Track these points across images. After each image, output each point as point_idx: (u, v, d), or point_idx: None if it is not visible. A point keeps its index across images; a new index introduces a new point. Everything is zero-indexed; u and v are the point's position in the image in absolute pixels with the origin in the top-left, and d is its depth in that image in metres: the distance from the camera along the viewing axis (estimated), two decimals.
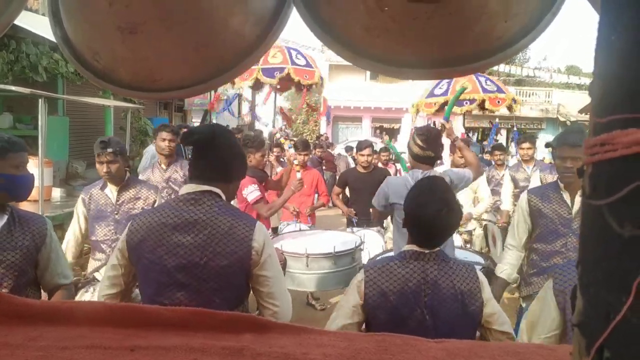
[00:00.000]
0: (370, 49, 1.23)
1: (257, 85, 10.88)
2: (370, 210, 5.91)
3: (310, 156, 7.55)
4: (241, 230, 1.99)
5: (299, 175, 5.46)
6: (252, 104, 13.62)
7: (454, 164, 5.97)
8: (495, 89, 10.26)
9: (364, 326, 2.13)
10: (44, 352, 1.01)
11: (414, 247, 2.13)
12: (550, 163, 6.59)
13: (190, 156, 2.16)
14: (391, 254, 3.30)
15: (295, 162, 5.81)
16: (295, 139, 9.12)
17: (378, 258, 2.27)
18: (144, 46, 1.26)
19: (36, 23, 7.10)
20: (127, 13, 1.18)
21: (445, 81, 10.20)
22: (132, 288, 2.16)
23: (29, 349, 1.01)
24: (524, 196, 3.30)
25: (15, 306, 1.13)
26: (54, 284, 2.41)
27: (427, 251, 2.10)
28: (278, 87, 11.01)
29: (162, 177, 4.79)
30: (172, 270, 1.95)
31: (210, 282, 1.94)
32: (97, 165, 3.48)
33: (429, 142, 3.56)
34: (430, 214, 2.04)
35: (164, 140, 4.89)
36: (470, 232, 6.25)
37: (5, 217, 2.21)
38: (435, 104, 10.36)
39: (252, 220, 2.06)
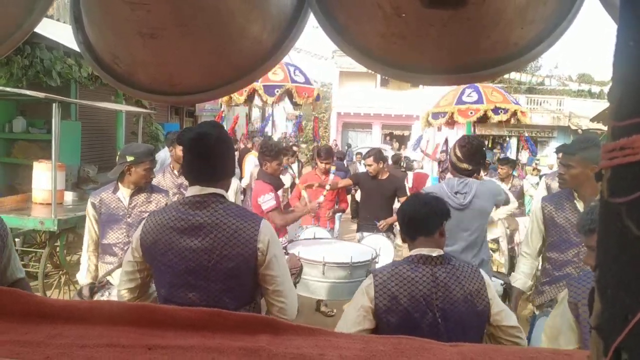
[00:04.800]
0: (387, 55, 1.24)
1: (250, 99, 10.86)
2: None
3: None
4: (246, 231, 2.03)
5: (321, 199, 5.54)
6: (262, 109, 13.68)
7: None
8: (501, 99, 10.15)
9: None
10: (64, 349, 1.02)
11: (422, 251, 2.17)
12: (556, 170, 6.62)
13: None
14: None
15: (321, 171, 5.86)
16: (298, 145, 9.15)
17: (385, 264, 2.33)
18: (164, 51, 1.29)
19: (51, 29, 7.18)
20: (147, 18, 1.20)
21: (473, 90, 10.13)
22: (149, 283, 2.23)
23: (50, 346, 1.03)
24: (538, 204, 3.31)
25: (36, 305, 1.15)
26: (14, 279, 2.46)
27: (434, 255, 2.14)
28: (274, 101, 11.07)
29: (173, 182, 4.82)
30: (182, 273, 2.01)
31: (219, 283, 2.00)
32: (143, 173, 3.54)
33: (466, 154, 3.57)
34: (413, 209, 2.25)
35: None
36: (496, 240, 6.24)
37: None
38: (471, 112, 10.20)
39: (257, 220, 2.10)
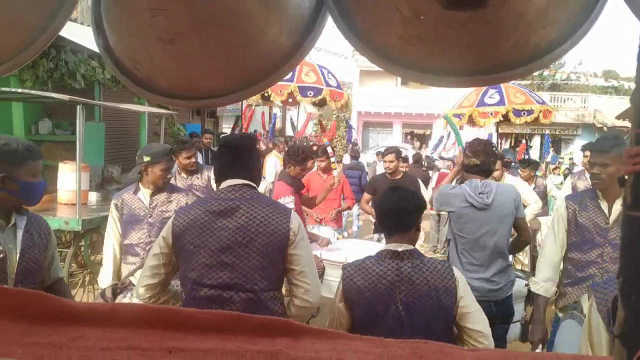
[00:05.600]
0: (406, 57, 1.24)
1: (289, 102, 10.99)
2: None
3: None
4: (279, 214, 2.22)
5: (335, 173, 5.58)
6: (284, 113, 13.73)
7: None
8: (523, 100, 10.01)
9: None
10: (86, 352, 1.04)
11: (389, 247, 2.26)
12: (582, 169, 6.52)
13: (218, 159, 2.45)
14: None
15: (333, 160, 5.90)
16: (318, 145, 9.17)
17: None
18: (183, 56, 1.30)
19: (75, 32, 7.30)
20: (166, 24, 1.21)
21: (496, 90, 10.04)
22: (170, 279, 2.34)
23: (72, 348, 1.05)
24: (562, 202, 3.25)
25: (59, 307, 1.17)
26: (55, 278, 2.56)
27: (400, 250, 2.21)
28: (289, 101, 11.12)
29: (184, 184, 4.90)
30: (216, 252, 2.15)
31: (252, 259, 2.14)
32: (160, 173, 3.59)
33: (474, 150, 3.60)
34: (388, 204, 2.33)
35: (187, 158, 5.02)
36: None
37: (25, 219, 2.34)
38: (492, 114, 10.07)
39: (287, 209, 2.32)
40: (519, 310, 3.86)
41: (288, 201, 4.71)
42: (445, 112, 10.77)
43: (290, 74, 8.55)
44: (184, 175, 4.92)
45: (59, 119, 9.08)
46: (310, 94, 9.81)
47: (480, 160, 3.57)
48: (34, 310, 1.15)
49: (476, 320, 2.16)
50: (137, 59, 1.38)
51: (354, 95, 31.21)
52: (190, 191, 4.68)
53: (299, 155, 4.94)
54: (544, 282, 3.19)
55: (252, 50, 1.33)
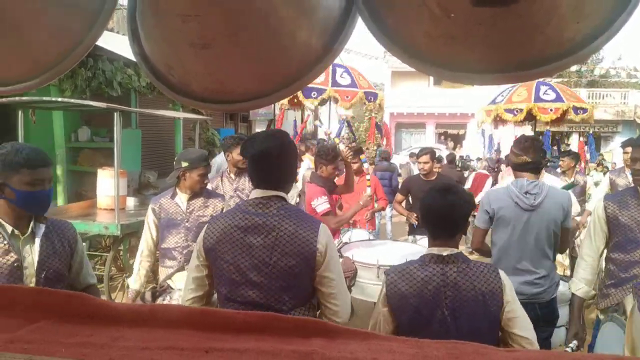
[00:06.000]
0: (436, 56, 1.23)
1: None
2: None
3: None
4: (306, 232, 2.12)
5: (369, 190, 5.49)
6: (315, 112, 13.74)
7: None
8: (554, 97, 9.78)
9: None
10: (126, 351, 1.07)
11: (432, 251, 2.19)
12: (622, 166, 6.33)
13: (248, 166, 2.29)
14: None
15: (365, 162, 5.83)
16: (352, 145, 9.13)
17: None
18: (215, 61, 1.33)
19: (111, 41, 7.50)
20: (199, 30, 1.24)
21: (548, 87, 9.87)
22: (213, 290, 2.30)
23: (113, 348, 1.07)
24: (600, 203, 3.17)
25: (100, 308, 1.21)
26: (85, 284, 2.54)
27: (445, 254, 2.14)
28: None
29: (231, 186, 4.92)
30: (245, 270, 2.10)
31: (279, 280, 2.08)
32: (197, 178, 3.65)
33: (522, 147, 3.48)
34: (438, 205, 2.21)
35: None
36: None
37: (44, 227, 2.32)
38: (552, 110, 9.92)
39: (316, 223, 2.18)
40: (564, 314, 3.76)
41: (322, 202, 4.70)
42: (495, 107, 10.58)
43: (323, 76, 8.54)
44: (232, 176, 4.93)
45: (97, 127, 9.33)
46: (313, 94, 9.56)
47: (530, 157, 3.43)
48: (76, 311, 1.18)
49: (523, 325, 2.11)
50: (171, 65, 1.41)
51: (386, 96, 31.07)
52: (236, 192, 4.73)
53: (329, 154, 4.94)
54: (582, 285, 3.12)
55: (283, 53, 1.35)
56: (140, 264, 3.73)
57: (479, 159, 14.00)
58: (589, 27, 1.14)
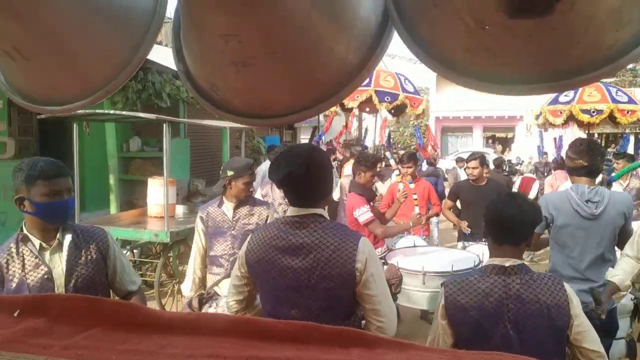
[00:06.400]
0: (472, 68, 1.23)
1: (365, 110, 11.00)
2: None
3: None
4: (345, 250, 2.05)
5: (417, 210, 5.47)
6: (359, 119, 13.74)
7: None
8: (627, 99, 9.43)
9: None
10: (173, 359, 1.11)
11: (494, 261, 2.10)
12: None
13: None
14: None
15: (395, 174, 5.80)
16: (401, 151, 9.12)
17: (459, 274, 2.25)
18: (256, 78, 1.37)
19: (160, 54, 7.74)
20: (240, 49, 1.28)
21: (594, 89, 9.58)
22: (255, 295, 2.36)
23: (159, 355, 1.12)
24: None
25: (148, 317, 1.26)
26: (124, 291, 2.55)
27: (508, 265, 2.06)
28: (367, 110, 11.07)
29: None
30: (285, 289, 2.09)
31: (319, 301, 2.05)
32: (242, 186, 3.72)
33: (578, 150, 3.37)
34: (504, 212, 2.14)
35: None
36: None
37: (70, 235, 2.36)
38: (561, 112, 9.62)
39: (355, 238, 2.11)
40: (624, 326, 3.61)
41: (364, 211, 4.71)
42: (541, 109, 10.31)
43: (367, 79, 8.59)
44: None
45: (147, 137, 9.63)
46: (387, 98, 9.77)
47: (587, 161, 3.31)
48: (126, 319, 1.24)
49: (592, 339, 2.02)
50: (214, 82, 1.47)
51: (431, 100, 30.73)
52: (284, 201, 4.79)
53: (369, 160, 4.95)
54: (619, 273, 3.07)
55: (322, 68, 1.38)
56: (194, 271, 3.84)
57: (522, 163, 13.64)
58: (628, 35, 1.12)
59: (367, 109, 10.73)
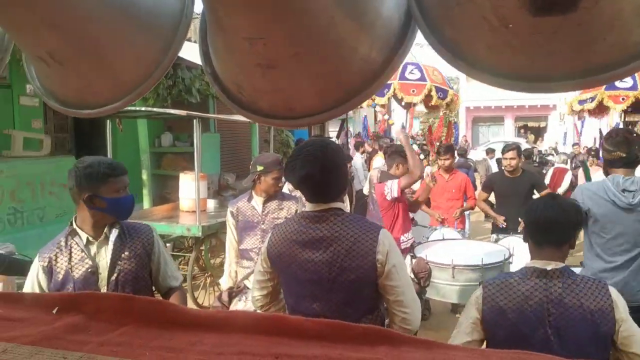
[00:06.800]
0: (497, 66, 1.23)
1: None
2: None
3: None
4: (365, 242, 2.06)
5: (428, 169, 5.45)
6: (387, 110, 13.67)
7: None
8: (631, 84, 8.98)
9: (484, 344, 2.08)
10: (203, 356, 1.15)
11: (536, 264, 2.04)
12: None
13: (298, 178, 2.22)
14: None
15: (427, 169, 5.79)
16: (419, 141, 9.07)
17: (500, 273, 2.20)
18: (281, 79, 1.39)
19: (189, 50, 7.84)
20: (265, 51, 1.30)
21: None
22: (280, 290, 2.38)
23: (190, 352, 1.16)
24: None
25: (179, 314, 1.30)
26: (166, 287, 2.62)
27: (549, 268, 2.00)
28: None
29: None
30: (306, 283, 2.12)
31: (341, 294, 2.07)
32: (272, 181, 3.77)
33: (614, 142, 3.29)
34: (543, 214, 2.08)
35: None
36: None
37: (117, 231, 2.44)
38: (622, 98, 9.07)
39: (375, 229, 2.12)
40: None
41: (391, 183, 4.72)
42: (570, 99, 10.04)
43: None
44: None
45: (178, 132, 9.78)
46: (440, 95, 9.75)
47: (625, 152, 3.23)
48: (157, 316, 1.28)
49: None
50: (240, 84, 1.49)
51: (461, 90, 30.31)
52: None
53: (404, 154, 4.92)
54: None
55: (346, 69, 1.39)
56: (230, 265, 3.91)
57: (554, 153, 13.33)
58: None
59: (430, 104, 10.66)
